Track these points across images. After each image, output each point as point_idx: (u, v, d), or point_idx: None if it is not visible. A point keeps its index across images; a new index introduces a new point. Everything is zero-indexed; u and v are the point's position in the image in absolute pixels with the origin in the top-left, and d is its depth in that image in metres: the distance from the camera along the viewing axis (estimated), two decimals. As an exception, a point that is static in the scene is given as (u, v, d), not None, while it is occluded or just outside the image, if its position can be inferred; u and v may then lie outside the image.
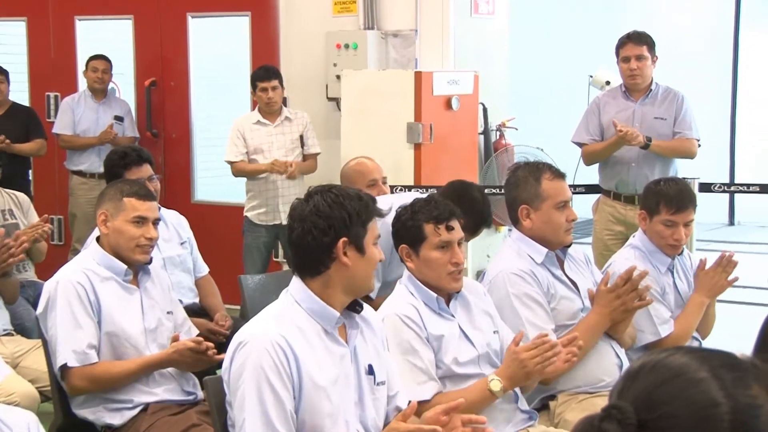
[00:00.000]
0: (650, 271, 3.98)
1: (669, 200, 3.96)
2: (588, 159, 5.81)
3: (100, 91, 7.43)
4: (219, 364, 3.90)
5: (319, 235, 2.62)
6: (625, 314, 3.66)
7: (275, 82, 6.33)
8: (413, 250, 3.23)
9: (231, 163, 6.35)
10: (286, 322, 2.63)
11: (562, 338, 3.29)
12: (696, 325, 4.04)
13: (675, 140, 5.59)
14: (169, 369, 3.57)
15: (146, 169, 4.62)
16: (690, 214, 4.00)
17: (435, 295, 3.22)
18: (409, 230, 3.22)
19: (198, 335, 4.45)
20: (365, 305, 2.82)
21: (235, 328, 4.44)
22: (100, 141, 7.21)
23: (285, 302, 2.70)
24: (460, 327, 3.24)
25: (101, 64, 7.40)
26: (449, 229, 3.21)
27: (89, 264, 3.56)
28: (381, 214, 2.73)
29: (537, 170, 3.69)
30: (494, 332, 3.34)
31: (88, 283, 3.47)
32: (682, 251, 4.14)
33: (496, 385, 3.12)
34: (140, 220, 3.59)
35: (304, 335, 2.62)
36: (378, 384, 2.77)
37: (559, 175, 3.70)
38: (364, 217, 2.65)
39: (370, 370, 2.75)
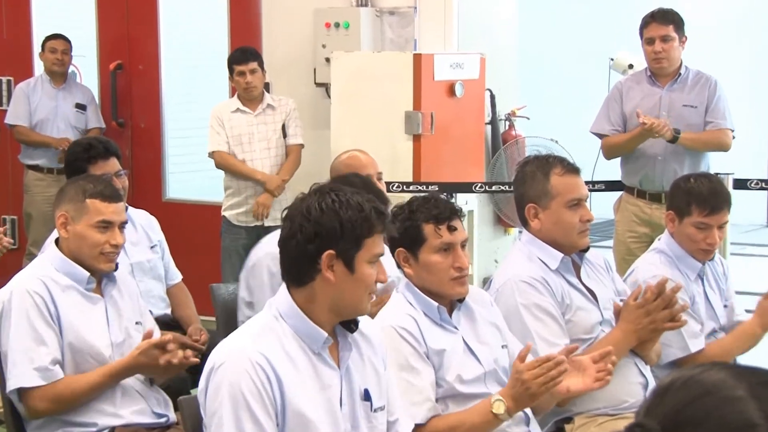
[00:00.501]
0: (678, 278, 3.99)
1: (702, 200, 3.96)
2: (609, 152, 5.82)
3: (60, 75, 7.43)
4: (195, 383, 3.91)
5: (304, 241, 2.62)
6: (653, 333, 3.65)
7: (253, 65, 6.34)
8: (411, 254, 3.23)
9: (214, 152, 6.36)
10: (269, 339, 2.63)
11: (594, 353, 3.27)
12: (739, 354, 4.04)
13: (707, 132, 5.59)
14: (137, 387, 3.57)
15: (113, 164, 4.62)
16: (725, 215, 4.00)
17: (436, 304, 3.22)
18: (406, 232, 3.22)
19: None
20: (364, 318, 2.82)
21: (211, 343, 4.47)
22: (57, 144, 7.18)
23: (269, 316, 2.70)
24: (464, 340, 3.24)
25: (60, 44, 7.39)
26: (451, 229, 3.22)
27: (47, 271, 3.55)
28: (388, 232, 2.70)
29: (546, 164, 3.70)
30: (502, 347, 3.35)
31: (46, 293, 3.47)
32: (714, 256, 4.15)
33: (499, 407, 3.10)
34: (105, 225, 3.58)
35: (289, 355, 2.62)
36: (375, 410, 2.77)
37: (572, 170, 3.71)
38: (359, 232, 2.62)
39: (366, 396, 2.75)
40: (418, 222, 3.21)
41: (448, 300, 3.27)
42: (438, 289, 3.23)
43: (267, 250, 4.15)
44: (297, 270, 2.65)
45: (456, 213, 3.25)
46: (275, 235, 4.36)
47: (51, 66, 7.39)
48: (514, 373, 3.11)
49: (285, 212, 2.71)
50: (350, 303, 2.67)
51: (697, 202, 3.96)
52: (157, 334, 3.76)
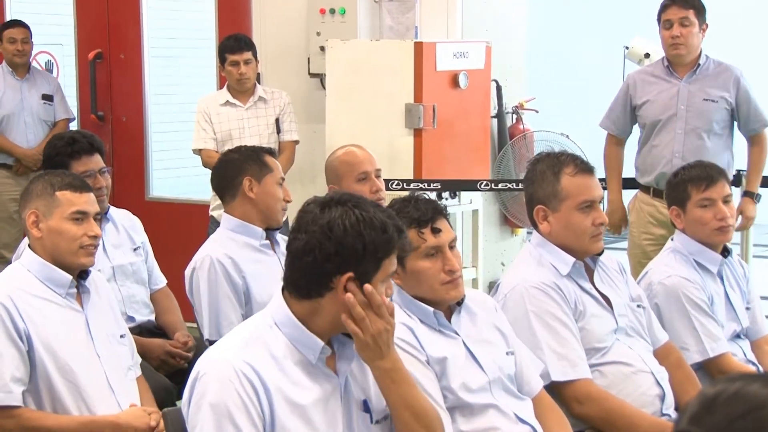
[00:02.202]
0: (695, 278, 4.04)
1: (695, 178, 4.11)
2: (605, 156, 5.88)
3: (22, 66, 7.42)
4: (180, 394, 3.93)
5: (322, 259, 2.60)
6: None
7: (248, 55, 6.36)
8: (398, 263, 3.23)
9: (201, 151, 6.37)
10: (258, 348, 2.64)
11: None
12: None
13: (754, 157, 5.66)
14: (118, 394, 3.58)
15: (97, 160, 4.62)
16: (724, 187, 4.12)
17: (431, 309, 3.22)
18: None
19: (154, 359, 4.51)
20: None
21: (198, 351, 4.49)
22: (25, 158, 7.19)
23: (261, 324, 2.70)
24: (465, 346, 3.26)
25: (19, 32, 7.37)
26: (435, 231, 3.21)
27: (19, 281, 3.53)
28: (405, 249, 2.70)
29: (557, 163, 3.72)
30: (507, 353, 3.36)
31: (12, 306, 3.42)
32: (730, 252, 4.19)
33: None
34: (80, 216, 3.59)
35: (281, 365, 2.63)
36: (376, 422, 2.78)
37: (585, 170, 3.71)
38: (381, 254, 2.62)
39: (366, 407, 2.76)
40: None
41: (445, 305, 3.28)
42: (431, 296, 3.23)
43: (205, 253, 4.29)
44: (306, 284, 2.65)
45: (440, 212, 3.24)
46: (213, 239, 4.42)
47: (12, 58, 7.36)
48: None
49: (297, 219, 2.67)
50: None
51: (691, 182, 4.11)
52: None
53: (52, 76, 7.64)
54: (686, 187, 4.11)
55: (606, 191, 5.82)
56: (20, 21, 7.43)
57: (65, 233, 3.57)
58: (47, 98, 7.42)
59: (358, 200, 2.67)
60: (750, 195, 5.66)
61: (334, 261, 2.59)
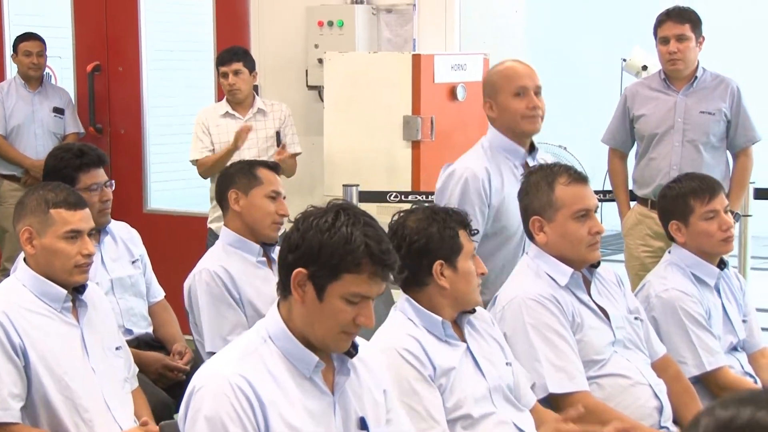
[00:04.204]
0: (693, 291, 4.04)
1: (697, 191, 4.10)
2: (609, 169, 5.88)
3: (36, 79, 7.45)
4: (178, 407, 3.93)
5: (286, 248, 2.67)
6: None
7: (237, 66, 6.35)
8: (449, 264, 3.26)
9: (197, 161, 6.37)
10: (254, 361, 2.64)
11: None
12: None
13: (738, 174, 5.64)
14: (114, 408, 3.57)
15: (103, 173, 4.62)
16: (723, 197, 4.14)
17: (440, 319, 3.25)
18: (446, 241, 3.25)
19: (153, 372, 4.51)
20: (362, 342, 2.82)
21: (196, 363, 4.49)
22: (34, 170, 7.18)
23: (256, 338, 2.71)
24: (472, 354, 3.28)
25: (35, 45, 7.40)
26: (473, 235, 3.32)
27: (15, 295, 3.50)
28: (377, 274, 2.63)
29: (551, 174, 3.74)
30: (507, 364, 3.39)
31: (5, 319, 3.40)
32: (727, 265, 4.19)
33: None
34: (74, 235, 3.55)
35: (276, 380, 2.63)
36: None
37: (579, 179, 3.74)
38: (336, 262, 2.59)
39: (363, 424, 2.76)
40: (455, 230, 3.27)
41: (453, 316, 3.30)
42: (467, 300, 3.30)
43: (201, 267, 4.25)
44: (282, 278, 2.69)
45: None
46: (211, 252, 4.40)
47: (27, 71, 7.40)
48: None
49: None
50: (319, 334, 2.66)
51: (694, 196, 4.10)
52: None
53: (65, 90, 7.66)
54: (687, 200, 4.10)
55: (617, 204, 5.85)
56: (35, 34, 7.45)
57: (59, 252, 3.53)
58: (58, 111, 7.44)
59: (350, 209, 2.69)
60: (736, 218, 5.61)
61: (294, 253, 2.64)
